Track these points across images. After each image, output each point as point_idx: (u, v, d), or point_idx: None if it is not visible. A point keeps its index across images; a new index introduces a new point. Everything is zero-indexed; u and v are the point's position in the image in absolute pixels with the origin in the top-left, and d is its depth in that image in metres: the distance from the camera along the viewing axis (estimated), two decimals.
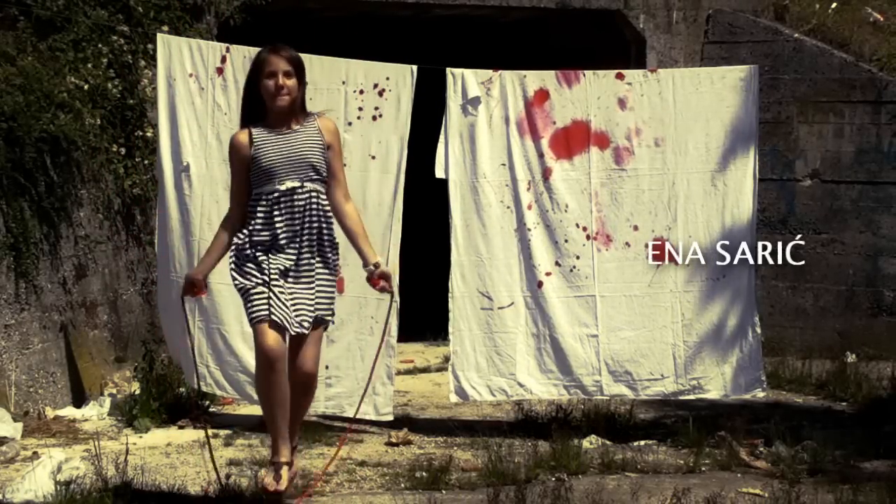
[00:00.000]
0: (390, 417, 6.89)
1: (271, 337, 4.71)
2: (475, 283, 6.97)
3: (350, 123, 6.88)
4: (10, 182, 6.87)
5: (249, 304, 4.76)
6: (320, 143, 4.88)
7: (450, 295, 6.97)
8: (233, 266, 4.86)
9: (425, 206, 8.66)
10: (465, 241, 6.98)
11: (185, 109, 6.82)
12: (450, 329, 6.99)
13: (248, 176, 4.87)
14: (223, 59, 6.85)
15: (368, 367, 6.81)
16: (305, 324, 4.79)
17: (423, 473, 5.72)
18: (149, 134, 8.20)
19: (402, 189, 6.90)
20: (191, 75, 6.83)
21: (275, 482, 4.85)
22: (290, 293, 4.78)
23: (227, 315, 6.80)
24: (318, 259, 4.87)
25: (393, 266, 6.80)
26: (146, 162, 8.24)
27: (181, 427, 6.90)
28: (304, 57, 6.84)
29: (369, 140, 6.89)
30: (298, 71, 4.89)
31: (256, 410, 6.98)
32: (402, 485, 5.66)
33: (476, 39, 11.62)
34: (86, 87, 7.74)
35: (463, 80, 6.97)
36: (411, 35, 11.26)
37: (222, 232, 4.97)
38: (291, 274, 4.80)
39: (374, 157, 6.89)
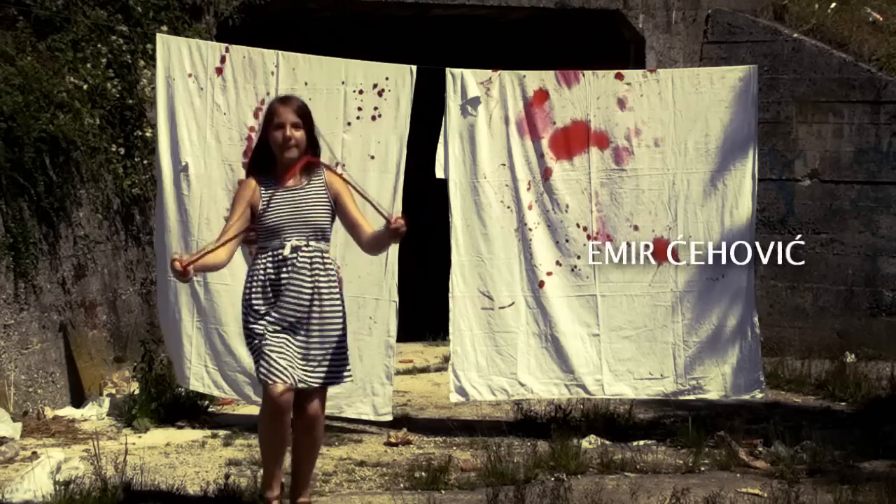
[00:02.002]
0: (389, 417, 6.89)
1: (280, 387, 4.70)
2: (476, 283, 6.98)
3: (349, 123, 6.88)
4: (10, 182, 6.87)
5: (261, 362, 4.75)
6: (327, 201, 4.89)
7: (450, 295, 6.97)
8: (244, 319, 4.87)
9: (424, 206, 8.67)
10: (466, 241, 6.98)
11: (184, 109, 6.81)
12: (450, 329, 6.99)
13: (247, 218, 4.86)
14: (222, 59, 6.85)
15: (367, 367, 6.84)
16: (316, 380, 4.80)
17: (423, 473, 5.72)
18: (148, 134, 8.20)
19: (402, 189, 6.90)
20: (190, 75, 6.82)
21: None
22: (300, 349, 4.78)
23: (225, 316, 6.80)
24: (329, 316, 4.85)
25: (392, 267, 6.80)
26: (145, 162, 8.24)
27: (180, 427, 6.90)
28: (304, 57, 6.91)
29: (368, 140, 6.89)
30: (306, 121, 4.90)
31: (255, 410, 6.97)
32: (402, 485, 5.67)
33: (475, 39, 11.62)
34: (85, 86, 7.74)
35: (462, 80, 6.98)
36: (411, 35, 11.26)
37: (223, 251, 4.87)
38: (301, 331, 4.80)
39: (373, 157, 6.89)
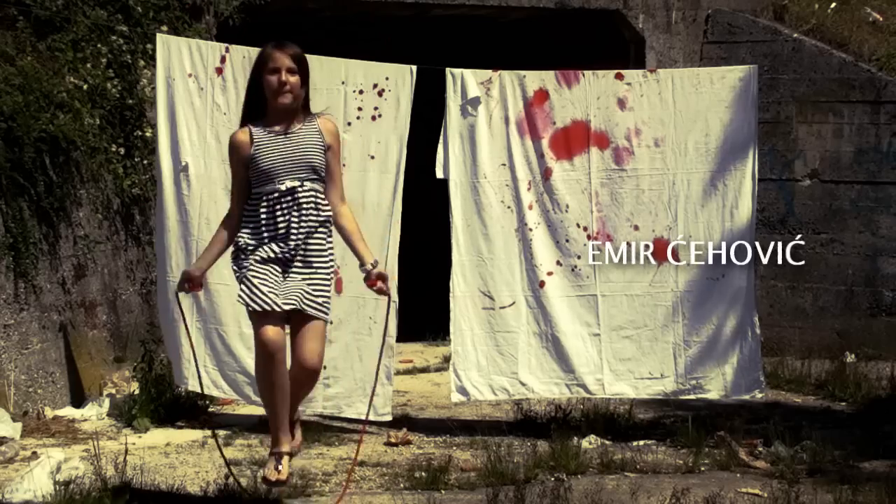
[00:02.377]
0: (389, 418, 6.89)
1: (271, 329, 4.67)
2: (476, 283, 6.98)
3: (349, 123, 6.88)
4: (10, 182, 6.87)
5: (249, 294, 4.70)
6: (321, 143, 4.85)
7: (451, 295, 6.98)
8: (233, 261, 4.85)
9: (424, 206, 8.67)
10: (467, 241, 6.99)
11: (184, 109, 6.81)
12: (451, 329, 7.00)
13: (248, 175, 4.86)
14: (222, 59, 6.85)
15: (367, 367, 6.83)
16: (311, 308, 4.75)
17: (423, 473, 5.72)
18: (148, 134, 8.20)
19: (402, 189, 6.90)
20: (190, 75, 6.82)
21: (276, 472, 4.82)
22: (292, 283, 4.75)
23: (225, 316, 6.80)
24: (314, 258, 4.83)
25: (392, 266, 6.80)
26: (145, 162, 8.24)
27: (180, 427, 6.90)
28: None
29: (368, 140, 6.89)
30: (302, 68, 4.85)
31: (255, 410, 6.99)
32: (402, 485, 5.67)
33: (475, 39, 11.62)
34: (85, 86, 7.74)
35: (462, 81, 6.98)
36: (411, 35, 11.26)
37: (222, 230, 4.95)
38: (292, 267, 4.78)
39: (373, 157, 6.89)
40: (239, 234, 4.85)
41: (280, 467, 4.83)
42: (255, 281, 4.69)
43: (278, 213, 4.76)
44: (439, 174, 6.99)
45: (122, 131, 8.19)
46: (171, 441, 6.58)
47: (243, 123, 4.96)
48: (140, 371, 7.19)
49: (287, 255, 4.76)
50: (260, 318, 4.70)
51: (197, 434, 6.74)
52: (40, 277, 7.12)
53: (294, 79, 4.80)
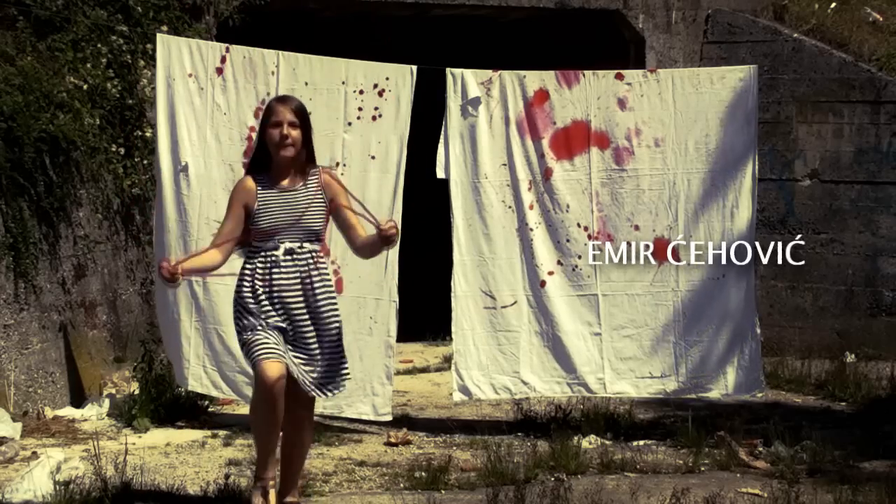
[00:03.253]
0: (389, 417, 6.90)
1: (273, 369, 4.67)
2: (478, 283, 6.99)
3: (350, 123, 6.88)
4: (10, 182, 6.87)
5: (252, 348, 4.73)
6: (322, 204, 4.88)
7: (452, 294, 6.99)
8: (236, 315, 4.86)
9: (424, 206, 8.67)
10: (468, 241, 6.99)
11: (184, 109, 6.81)
12: (452, 328, 7.00)
13: (243, 219, 4.85)
14: (223, 60, 6.85)
15: (367, 367, 6.84)
16: (315, 387, 4.79)
17: (423, 473, 5.72)
18: (148, 134, 8.19)
19: (402, 189, 6.90)
20: (190, 75, 6.82)
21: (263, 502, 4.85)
22: (296, 350, 4.77)
23: (224, 316, 6.78)
24: (325, 319, 4.84)
25: (392, 267, 6.81)
26: (145, 162, 8.24)
27: (180, 427, 6.90)
28: (304, 57, 6.91)
29: (369, 140, 6.89)
30: (304, 122, 4.88)
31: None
32: (402, 485, 5.67)
33: (476, 39, 11.62)
34: (85, 87, 7.74)
35: (463, 81, 6.98)
36: (411, 35, 11.26)
37: (216, 253, 4.89)
38: (296, 333, 4.80)
39: (373, 157, 6.89)
40: (240, 286, 4.85)
41: (267, 499, 4.84)
42: (266, 341, 4.71)
43: (275, 274, 4.78)
44: (440, 174, 7.00)
45: (122, 131, 8.19)
46: (171, 441, 6.58)
47: (248, 172, 5.00)
48: (140, 371, 7.19)
49: (290, 321, 4.78)
50: (261, 360, 4.70)
51: (197, 434, 6.74)
52: (40, 277, 7.12)
53: (295, 132, 4.84)
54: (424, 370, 9.17)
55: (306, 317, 4.81)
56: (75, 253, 7.60)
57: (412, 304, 7.44)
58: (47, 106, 7.25)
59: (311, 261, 4.83)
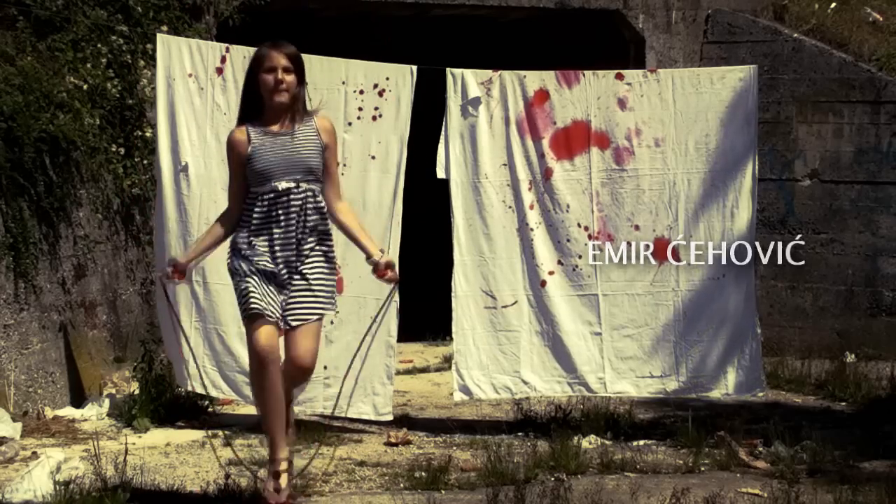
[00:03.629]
0: (390, 417, 6.90)
1: (264, 336, 4.68)
2: (478, 283, 6.99)
3: (350, 123, 6.88)
4: (10, 182, 6.87)
5: (243, 300, 4.74)
6: (317, 143, 4.86)
7: (453, 294, 6.99)
8: (230, 262, 4.86)
9: (424, 206, 8.67)
10: (468, 241, 7.00)
11: (184, 109, 6.81)
12: (453, 328, 7.01)
13: (245, 173, 4.87)
14: (223, 59, 6.85)
15: (367, 366, 6.82)
16: (301, 318, 4.76)
17: (423, 473, 5.72)
18: (148, 134, 8.19)
19: (402, 189, 6.90)
20: (190, 75, 6.82)
21: (276, 493, 4.83)
22: (290, 291, 4.77)
23: (224, 315, 6.80)
24: (316, 256, 4.85)
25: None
26: (145, 162, 8.24)
27: (180, 427, 6.90)
28: (304, 57, 6.87)
29: (369, 140, 6.89)
30: (298, 67, 4.86)
31: (255, 410, 6.98)
32: (402, 485, 5.66)
33: (475, 39, 11.62)
34: (85, 86, 7.74)
35: (463, 81, 6.98)
36: (411, 35, 11.26)
37: (218, 226, 4.96)
38: (290, 272, 4.79)
39: (373, 158, 6.89)
40: (237, 234, 4.86)
41: (280, 486, 4.83)
42: (251, 287, 4.70)
43: (272, 214, 4.78)
44: (440, 174, 7.00)
45: (122, 131, 8.19)
46: (171, 441, 6.58)
47: (240, 123, 4.96)
48: (140, 371, 7.19)
49: (285, 259, 4.77)
50: (253, 322, 4.72)
51: (197, 434, 6.74)
52: (40, 277, 7.12)
53: (290, 77, 4.82)
54: (424, 370, 9.17)
55: (305, 254, 4.77)
56: (75, 253, 7.60)
57: (412, 304, 7.44)
58: (47, 106, 7.25)
59: (310, 199, 4.79)
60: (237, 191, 4.91)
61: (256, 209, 4.80)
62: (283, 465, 4.88)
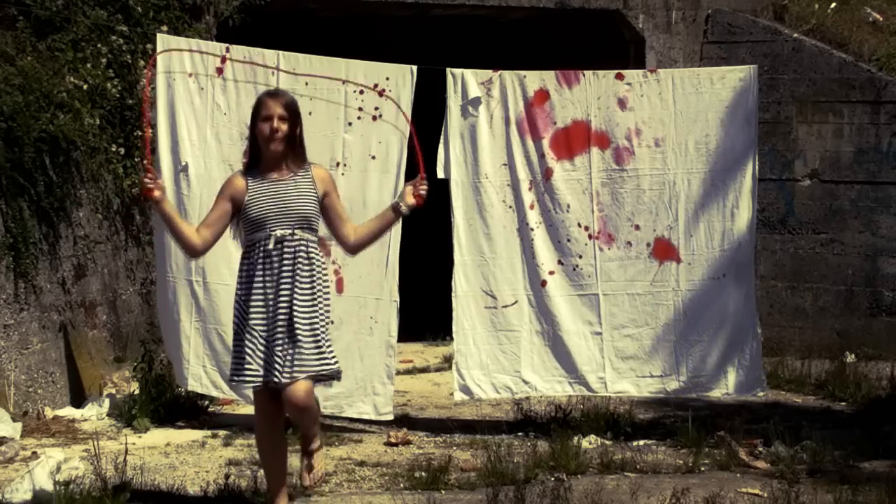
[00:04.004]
0: (390, 417, 6.90)
1: (267, 400, 4.79)
2: (478, 283, 7.00)
3: (350, 123, 6.88)
4: (10, 182, 6.87)
5: (241, 366, 4.76)
6: (313, 192, 4.86)
7: (453, 294, 6.99)
8: (234, 317, 4.87)
9: (425, 206, 8.65)
10: (468, 241, 7.00)
11: (184, 109, 6.82)
12: (453, 328, 7.01)
13: (230, 211, 4.84)
14: (223, 60, 6.85)
15: (368, 366, 6.84)
16: (293, 374, 4.72)
17: (423, 473, 5.72)
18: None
19: (402, 189, 6.89)
20: (190, 75, 6.82)
21: None
22: (284, 344, 4.74)
23: (224, 315, 6.78)
24: (307, 311, 4.79)
25: (393, 266, 6.81)
26: (145, 162, 8.23)
27: (180, 427, 6.90)
28: (304, 57, 6.92)
29: (369, 140, 6.89)
30: (293, 115, 4.87)
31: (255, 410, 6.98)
32: (402, 485, 5.67)
33: (475, 39, 11.62)
34: (85, 87, 7.74)
35: (463, 81, 6.98)
36: (411, 35, 11.26)
37: (195, 236, 4.88)
38: (283, 323, 4.76)
39: (373, 157, 6.90)
40: (240, 283, 4.84)
41: None
42: (248, 354, 4.73)
43: (267, 262, 4.75)
44: (440, 174, 7.00)
45: (122, 131, 8.19)
46: (171, 441, 6.58)
47: (243, 171, 4.97)
48: (140, 371, 7.19)
49: (276, 310, 4.74)
50: (256, 393, 4.85)
51: (197, 434, 6.74)
52: (40, 277, 7.12)
53: (285, 126, 4.83)
54: (424, 370, 9.17)
55: (288, 303, 4.74)
56: (75, 253, 7.60)
57: (412, 304, 7.44)
58: (47, 106, 7.25)
59: (302, 249, 4.78)
60: (216, 218, 4.86)
61: (254, 259, 4.79)
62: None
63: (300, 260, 4.78)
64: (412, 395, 8.13)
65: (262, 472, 5.37)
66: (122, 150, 8.10)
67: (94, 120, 7.77)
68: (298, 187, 4.84)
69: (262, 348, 4.72)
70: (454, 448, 6.51)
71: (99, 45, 8.00)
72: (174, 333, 6.88)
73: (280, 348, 4.70)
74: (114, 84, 8.02)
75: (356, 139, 6.88)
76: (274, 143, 4.81)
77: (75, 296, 7.56)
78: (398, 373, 8.09)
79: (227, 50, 6.89)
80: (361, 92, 6.87)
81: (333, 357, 4.80)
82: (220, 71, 6.83)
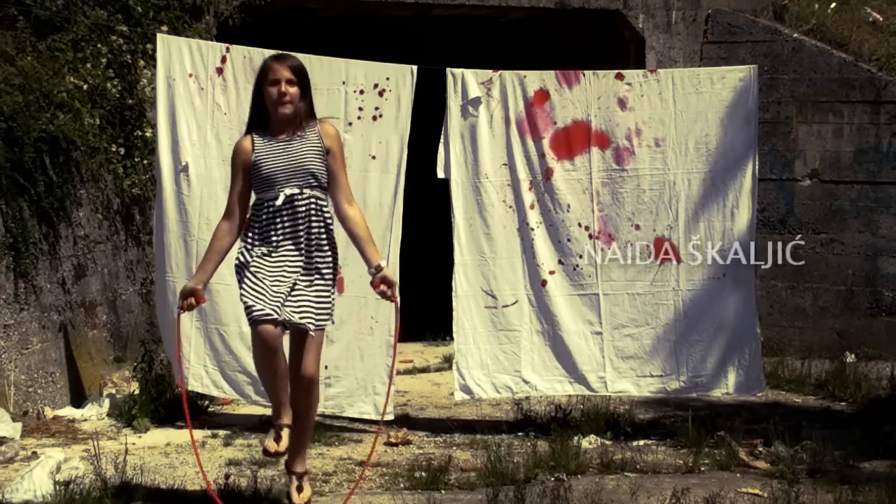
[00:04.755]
0: (391, 417, 6.90)
1: (268, 335, 4.74)
2: (479, 282, 7.00)
3: (350, 123, 6.88)
4: (10, 182, 6.87)
5: (247, 303, 4.77)
6: (320, 149, 4.90)
7: (453, 294, 6.99)
8: (236, 263, 4.88)
9: (425, 206, 8.67)
10: (469, 241, 7.00)
11: (184, 109, 6.82)
12: (454, 328, 7.01)
13: (248, 181, 4.92)
14: (223, 59, 6.85)
15: (368, 366, 6.84)
16: (311, 324, 4.79)
17: (423, 473, 5.72)
18: (148, 134, 8.19)
19: (403, 189, 6.91)
20: (190, 75, 6.82)
21: (275, 443, 4.88)
22: (294, 296, 4.79)
23: (225, 315, 6.80)
24: (317, 263, 4.87)
25: (394, 266, 6.81)
26: (145, 162, 8.24)
27: (180, 427, 6.90)
28: (304, 57, 6.87)
29: (369, 140, 6.89)
30: (301, 79, 4.92)
31: (255, 410, 7.00)
32: (402, 485, 5.67)
33: (476, 39, 11.62)
34: (85, 86, 7.74)
35: (463, 81, 6.98)
36: (411, 35, 11.26)
37: (218, 239, 4.99)
38: (295, 277, 4.81)
39: (374, 157, 6.90)
40: (243, 241, 4.88)
41: (280, 439, 4.89)
42: (254, 291, 4.74)
43: (277, 220, 4.81)
44: (440, 174, 7.00)
45: (122, 131, 8.19)
46: (171, 441, 6.58)
47: (248, 132, 5.00)
48: (140, 371, 7.19)
49: (290, 261, 4.79)
50: (257, 325, 4.76)
51: (197, 434, 6.74)
52: (40, 277, 7.12)
53: (293, 90, 4.87)
54: (424, 370, 9.17)
55: (300, 263, 4.79)
56: (75, 253, 7.60)
57: (412, 304, 7.44)
58: (47, 106, 7.25)
59: (313, 206, 4.82)
60: (239, 197, 4.95)
61: (263, 215, 4.85)
62: (286, 424, 4.91)
63: (313, 216, 4.82)
64: (412, 395, 8.13)
65: (261, 471, 5.38)
66: (122, 150, 8.10)
67: (94, 120, 7.77)
68: (305, 145, 4.88)
69: (270, 289, 4.73)
70: (454, 448, 6.51)
71: (99, 45, 8.00)
72: (174, 333, 6.87)
73: (305, 292, 4.77)
74: (114, 84, 8.02)
75: (356, 139, 6.88)
76: (283, 106, 4.85)
77: (75, 296, 7.56)
78: (398, 373, 8.11)
79: (227, 50, 6.89)
80: (361, 92, 6.87)
81: (330, 310, 4.92)
82: (220, 71, 6.83)
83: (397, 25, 11.41)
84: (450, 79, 7.00)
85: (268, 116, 4.91)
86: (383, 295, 5.06)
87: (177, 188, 6.80)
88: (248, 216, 4.94)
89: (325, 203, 4.91)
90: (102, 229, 7.97)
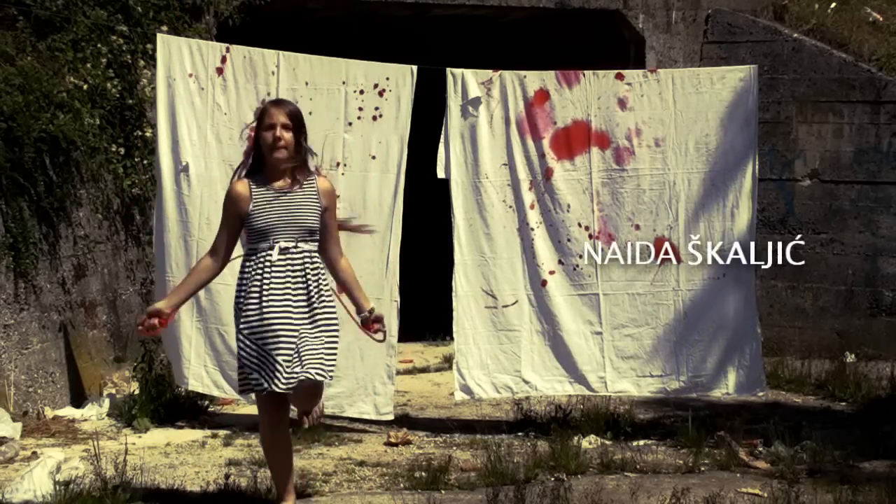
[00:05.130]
0: (391, 417, 6.90)
1: (273, 406, 4.86)
2: (479, 282, 7.00)
3: (350, 123, 6.88)
4: (10, 182, 6.87)
5: (246, 375, 4.85)
6: (317, 205, 4.90)
7: (453, 294, 6.99)
8: (236, 326, 4.91)
9: (425, 206, 8.67)
10: (469, 241, 7.00)
11: (184, 109, 6.81)
12: (454, 328, 7.01)
13: (240, 228, 4.91)
14: (223, 59, 6.85)
15: (368, 366, 6.85)
16: (320, 375, 4.79)
17: (423, 473, 5.72)
18: (148, 134, 8.19)
19: (402, 189, 6.90)
20: (190, 75, 6.82)
21: None
22: (303, 347, 4.77)
23: (225, 315, 6.78)
24: (323, 312, 4.85)
25: (393, 266, 6.81)
26: (145, 162, 8.24)
27: (180, 427, 6.90)
28: (304, 57, 6.92)
29: (369, 140, 6.89)
30: (297, 124, 4.90)
31: (255, 410, 6.98)
32: (402, 485, 5.67)
33: (475, 39, 11.62)
34: (85, 86, 7.74)
35: (463, 81, 6.98)
36: (411, 35, 11.26)
37: (199, 272, 4.98)
38: (300, 328, 4.80)
39: (374, 157, 6.90)
40: (239, 288, 4.88)
41: None
42: (253, 360, 4.81)
43: (275, 271, 4.79)
44: (440, 174, 7.01)
45: (122, 131, 8.19)
46: (171, 441, 6.58)
47: (246, 176, 4.99)
48: (140, 371, 7.19)
49: (293, 313, 4.78)
50: (262, 396, 4.88)
51: (197, 434, 6.75)
52: (40, 277, 7.12)
53: (288, 135, 4.86)
54: (424, 370, 9.17)
55: (304, 312, 4.79)
56: (75, 253, 7.60)
57: (412, 304, 7.44)
58: (47, 106, 7.25)
59: (307, 260, 4.83)
60: (227, 238, 4.94)
61: (257, 268, 4.82)
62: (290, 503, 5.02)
63: (308, 268, 4.83)
64: (412, 395, 8.13)
65: (261, 471, 5.38)
66: (122, 150, 8.10)
67: (94, 120, 7.77)
68: (303, 200, 4.88)
69: (268, 351, 4.76)
70: (454, 448, 6.51)
71: (99, 45, 8.00)
72: (174, 333, 6.88)
73: (314, 342, 4.78)
74: (114, 84, 8.02)
75: (356, 139, 6.88)
76: (277, 151, 4.85)
77: (75, 296, 7.56)
78: (398, 373, 8.10)
79: (228, 50, 6.89)
80: (361, 92, 6.87)
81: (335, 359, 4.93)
82: (220, 71, 6.83)
83: (397, 25, 11.41)
84: (450, 79, 7.00)
85: (264, 161, 4.91)
86: (377, 332, 5.03)
87: (177, 188, 6.80)
88: (242, 262, 4.92)
89: (317, 257, 4.92)
90: (102, 229, 7.97)
